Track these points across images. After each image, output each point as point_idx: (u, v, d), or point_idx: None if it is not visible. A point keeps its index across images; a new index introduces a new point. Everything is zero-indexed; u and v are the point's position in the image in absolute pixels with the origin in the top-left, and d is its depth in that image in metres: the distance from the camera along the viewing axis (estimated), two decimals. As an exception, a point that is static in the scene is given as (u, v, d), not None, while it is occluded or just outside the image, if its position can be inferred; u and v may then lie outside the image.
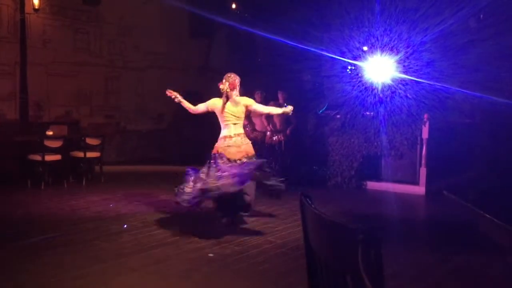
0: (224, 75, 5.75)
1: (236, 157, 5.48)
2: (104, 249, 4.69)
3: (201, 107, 5.80)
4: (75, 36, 10.66)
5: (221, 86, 5.63)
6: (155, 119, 12.14)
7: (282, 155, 8.69)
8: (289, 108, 5.80)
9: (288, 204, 6.59)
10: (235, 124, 5.64)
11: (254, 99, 8.45)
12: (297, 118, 8.91)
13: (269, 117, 8.59)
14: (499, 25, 7.23)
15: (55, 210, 6.43)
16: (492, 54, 7.38)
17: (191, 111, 5.87)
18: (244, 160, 5.47)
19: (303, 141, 9.31)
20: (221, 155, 5.45)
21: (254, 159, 5.59)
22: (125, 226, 5.54)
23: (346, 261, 1.28)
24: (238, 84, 5.73)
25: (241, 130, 5.72)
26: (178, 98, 5.78)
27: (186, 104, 5.85)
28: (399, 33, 7.90)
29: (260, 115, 8.29)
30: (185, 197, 5.27)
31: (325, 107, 9.75)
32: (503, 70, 7.25)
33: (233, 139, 5.57)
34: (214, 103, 5.71)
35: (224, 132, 5.63)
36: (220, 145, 5.56)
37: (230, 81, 5.63)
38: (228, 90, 5.61)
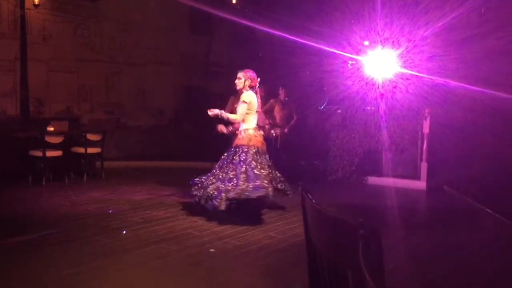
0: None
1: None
2: (105, 245, 4.70)
3: None
4: (76, 32, 10.63)
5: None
6: (156, 115, 12.13)
7: (277, 150, 8.67)
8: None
9: (288, 199, 6.59)
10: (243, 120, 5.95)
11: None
12: (299, 113, 8.91)
13: (268, 111, 8.61)
14: (501, 20, 7.19)
15: (56, 206, 6.44)
16: (493, 49, 7.34)
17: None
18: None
19: (303, 136, 9.29)
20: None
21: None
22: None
23: (347, 256, 1.27)
24: (251, 80, 5.99)
25: (244, 126, 5.93)
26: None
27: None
28: (400, 27, 7.87)
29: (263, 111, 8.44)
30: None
31: (326, 103, 9.73)
32: (505, 65, 7.22)
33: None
34: None
35: None
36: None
37: (247, 78, 5.93)
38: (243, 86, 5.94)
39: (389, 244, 4.59)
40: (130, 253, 4.46)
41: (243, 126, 5.95)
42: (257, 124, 6.97)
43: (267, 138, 8.62)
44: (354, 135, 8.64)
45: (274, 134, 8.61)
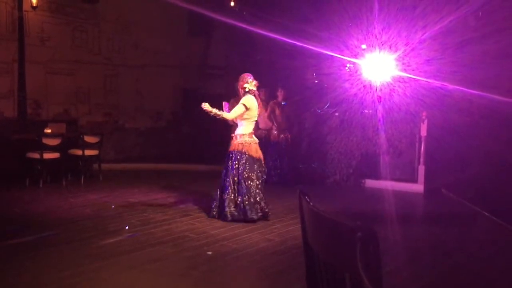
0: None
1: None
2: (103, 247, 4.69)
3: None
4: (74, 34, 10.63)
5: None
6: (154, 117, 12.13)
7: (289, 153, 8.73)
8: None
9: (286, 202, 6.60)
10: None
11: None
12: (296, 117, 8.95)
13: (271, 116, 8.62)
14: (498, 23, 7.22)
15: (53, 208, 6.42)
16: (490, 52, 7.37)
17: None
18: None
19: (302, 139, 9.32)
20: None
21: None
22: (127, 227, 5.48)
23: (345, 259, 1.28)
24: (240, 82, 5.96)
25: (240, 131, 5.92)
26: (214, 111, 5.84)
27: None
28: (397, 31, 7.89)
29: (267, 116, 8.51)
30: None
31: (327, 105, 9.74)
32: (502, 68, 7.24)
33: None
34: None
35: None
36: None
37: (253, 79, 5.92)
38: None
39: (387, 246, 4.59)
40: (128, 255, 4.45)
41: (238, 131, 5.90)
42: (260, 128, 7.00)
43: (276, 142, 8.67)
44: (352, 138, 8.66)
45: (283, 138, 8.66)
